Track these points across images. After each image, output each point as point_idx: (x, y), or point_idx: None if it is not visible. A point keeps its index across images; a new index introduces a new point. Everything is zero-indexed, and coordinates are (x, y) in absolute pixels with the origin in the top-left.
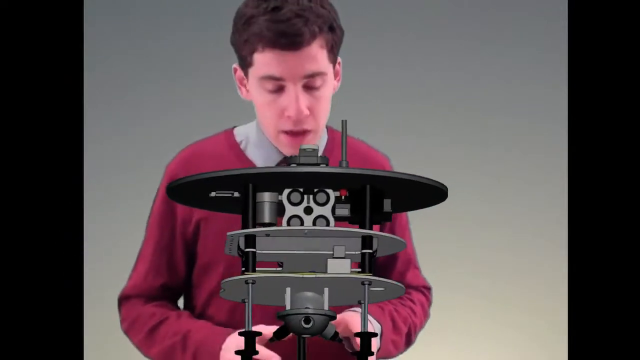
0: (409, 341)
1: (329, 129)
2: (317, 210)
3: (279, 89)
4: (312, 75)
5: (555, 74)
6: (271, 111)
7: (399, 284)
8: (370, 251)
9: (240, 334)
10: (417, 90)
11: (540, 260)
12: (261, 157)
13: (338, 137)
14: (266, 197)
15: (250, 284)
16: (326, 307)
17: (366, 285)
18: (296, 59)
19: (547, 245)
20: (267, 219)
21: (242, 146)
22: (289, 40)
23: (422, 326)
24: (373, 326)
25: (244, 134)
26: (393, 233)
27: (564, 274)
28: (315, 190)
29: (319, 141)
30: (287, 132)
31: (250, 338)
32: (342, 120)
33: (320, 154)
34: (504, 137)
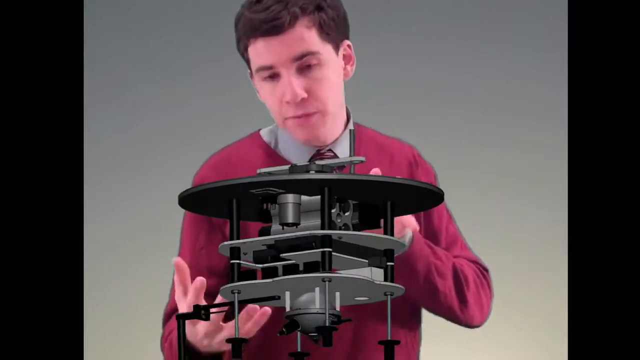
0: (460, 292)
1: (356, 126)
2: (343, 219)
3: (275, 77)
4: (302, 57)
5: (555, 74)
6: (273, 101)
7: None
8: (392, 264)
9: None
10: (417, 90)
11: (540, 260)
12: (294, 154)
13: (365, 134)
14: (290, 198)
15: (327, 282)
16: (338, 309)
17: (388, 295)
18: (281, 43)
19: (547, 245)
20: (290, 219)
21: (272, 146)
22: (269, 25)
23: (480, 296)
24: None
25: (271, 134)
26: (429, 214)
27: (564, 274)
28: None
29: (346, 134)
30: (291, 118)
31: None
32: (350, 130)
33: (349, 150)
34: (504, 137)
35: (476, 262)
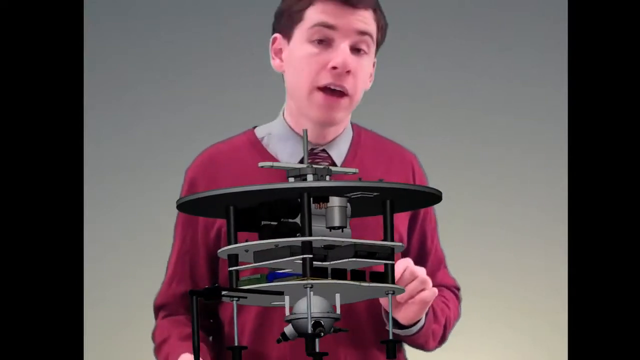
0: (444, 337)
1: (354, 126)
2: None
3: (327, 43)
4: (363, 33)
5: (555, 74)
6: (313, 65)
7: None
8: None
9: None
10: (418, 90)
11: (540, 260)
12: (286, 152)
13: (364, 137)
14: (336, 202)
15: (390, 294)
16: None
17: (390, 294)
18: (352, 14)
19: (547, 245)
20: (337, 223)
21: (264, 142)
22: None
23: (453, 325)
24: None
25: (266, 131)
26: (424, 234)
27: (564, 274)
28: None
29: (344, 135)
30: (323, 89)
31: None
32: (304, 130)
33: (345, 151)
34: (504, 136)
35: (454, 287)
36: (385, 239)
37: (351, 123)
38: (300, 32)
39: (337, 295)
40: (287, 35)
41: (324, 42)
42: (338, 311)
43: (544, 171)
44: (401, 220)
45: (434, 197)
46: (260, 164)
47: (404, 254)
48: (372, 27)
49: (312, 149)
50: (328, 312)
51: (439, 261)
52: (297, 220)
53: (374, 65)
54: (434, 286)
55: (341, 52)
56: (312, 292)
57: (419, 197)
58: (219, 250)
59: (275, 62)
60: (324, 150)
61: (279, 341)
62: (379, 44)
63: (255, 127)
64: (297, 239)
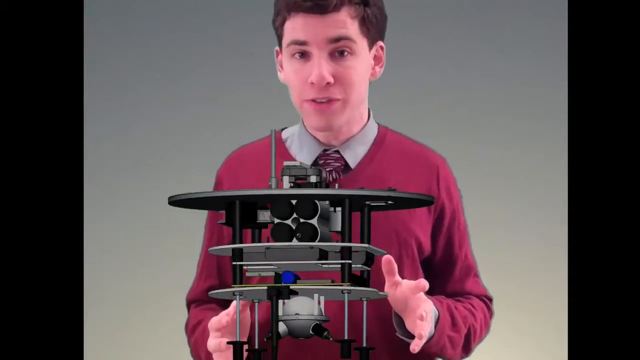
0: (467, 347)
1: (381, 128)
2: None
3: (305, 56)
4: (337, 40)
5: (555, 74)
6: (297, 79)
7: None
8: (369, 269)
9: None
10: (417, 90)
11: (540, 260)
12: (303, 152)
13: (388, 139)
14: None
15: (365, 300)
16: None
17: (365, 300)
18: (321, 23)
19: (547, 245)
20: (340, 228)
21: (287, 144)
22: (313, 3)
23: (481, 337)
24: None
25: (291, 132)
26: (450, 240)
27: (564, 274)
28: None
29: (361, 137)
30: (311, 101)
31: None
32: (272, 130)
33: (362, 153)
34: (504, 136)
35: (485, 296)
36: (362, 242)
37: (378, 124)
38: (284, 48)
39: (321, 298)
40: (281, 49)
41: (304, 56)
42: (322, 311)
43: (544, 171)
44: (421, 226)
45: (428, 202)
46: (286, 163)
47: (429, 261)
48: (348, 29)
49: (325, 150)
50: (325, 315)
51: (469, 269)
52: (314, 221)
53: (382, 49)
54: (460, 295)
55: (316, 67)
56: (348, 296)
57: (413, 202)
58: (248, 245)
59: (280, 75)
60: (337, 152)
61: (267, 338)
62: (373, 31)
63: (283, 129)
64: (337, 244)
